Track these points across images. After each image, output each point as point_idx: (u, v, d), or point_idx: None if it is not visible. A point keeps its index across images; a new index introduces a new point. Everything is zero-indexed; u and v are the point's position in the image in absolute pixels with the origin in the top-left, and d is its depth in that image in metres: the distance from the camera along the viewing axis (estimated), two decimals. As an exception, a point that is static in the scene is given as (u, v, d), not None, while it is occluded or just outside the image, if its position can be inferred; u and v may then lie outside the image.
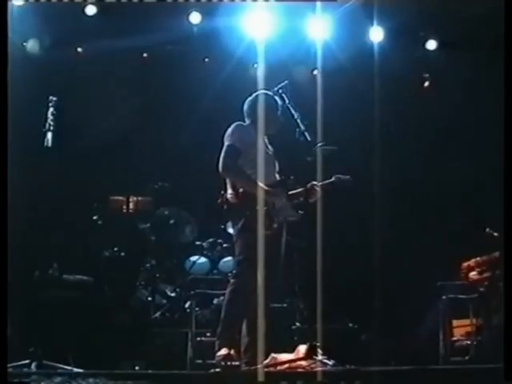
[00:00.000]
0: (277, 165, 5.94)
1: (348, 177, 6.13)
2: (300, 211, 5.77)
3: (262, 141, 5.88)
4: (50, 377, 4.57)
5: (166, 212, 9.19)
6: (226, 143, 5.74)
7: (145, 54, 9.77)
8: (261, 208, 5.55)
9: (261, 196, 5.60)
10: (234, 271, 5.65)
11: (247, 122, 6.00)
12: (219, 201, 5.76)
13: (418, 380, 4.79)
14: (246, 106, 6.06)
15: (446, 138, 9.94)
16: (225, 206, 5.72)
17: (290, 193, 5.79)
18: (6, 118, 4.94)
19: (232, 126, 5.85)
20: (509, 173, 5.01)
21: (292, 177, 5.86)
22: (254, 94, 6.08)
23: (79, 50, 9.46)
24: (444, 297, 7.89)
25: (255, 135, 5.84)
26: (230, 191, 5.69)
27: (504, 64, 5.29)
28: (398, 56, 9.48)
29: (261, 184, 5.65)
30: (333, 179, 6.06)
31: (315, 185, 5.88)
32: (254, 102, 6.01)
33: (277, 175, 5.86)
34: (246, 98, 6.12)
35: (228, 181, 5.76)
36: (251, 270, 5.45)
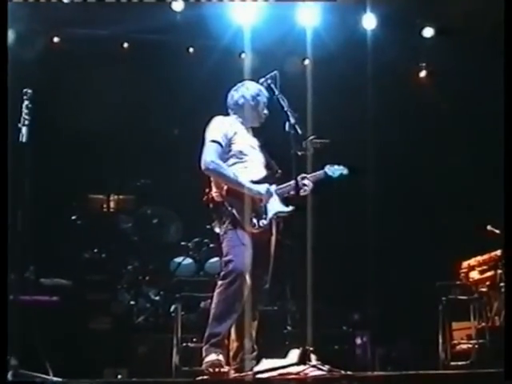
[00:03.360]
0: (264, 159, 5.90)
1: (341, 167, 6.09)
2: (291, 206, 5.73)
3: (246, 134, 5.85)
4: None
5: (149, 211, 9.20)
6: (207, 139, 5.70)
7: (125, 44, 9.73)
8: (247, 205, 5.54)
9: (247, 193, 5.58)
10: (222, 273, 5.62)
11: (230, 114, 5.98)
12: (204, 199, 5.73)
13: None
14: (228, 98, 6.04)
15: (444, 132, 9.94)
16: (210, 205, 5.69)
17: (279, 187, 5.76)
18: (6, 120, 4.99)
19: (213, 120, 5.82)
20: (509, 171, 5.01)
21: (280, 170, 5.83)
22: (238, 85, 6.05)
23: (55, 39, 9.42)
24: (443, 298, 7.87)
25: (238, 128, 5.81)
26: (214, 189, 5.67)
27: (504, 63, 5.30)
28: (393, 44, 9.47)
29: (246, 180, 5.62)
30: (325, 170, 6.03)
31: (305, 177, 5.85)
32: (236, 94, 5.98)
33: (264, 170, 5.83)
34: (230, 90, 6.10)
35: (212, 178, 5.73)
36: (239, 271, 5.43)
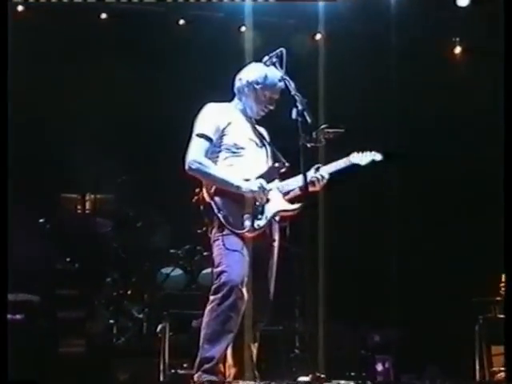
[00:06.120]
0: (268, 152, 5.88)
1: (373, 152, 5.85)
2: (297, 204, 5.67)
3: (243, 124, 5.83)
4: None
5: (132, 213, 9.19)
6: (194, 132, 5.68)
7: (103, 15, 9.72)
8: (239, 206, 5.52)
9: (237, 192, 5.55)
10: (213, 286, 5.61)
11: (235, 99, 5.93)
12: (195, 199, 5.73)
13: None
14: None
15: (480, 119, 9.89)
16: (201, 207, 5.68)
17: (284, 182, 5.73)
18: (5, 119, 5.06)
19: (204, 108, 5.79)
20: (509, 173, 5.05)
21: (287, 164, 5.79)
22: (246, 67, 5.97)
23: (20, 8, 9.32)
24: (480, 317, 7.88)
25: (234, 117, 5.78)
26: (204, 189, 5.66)
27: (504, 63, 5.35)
28: (422, 16, 9.47)
29: (238, 178, 5.59)
30: (349, 158, 5.86)
31: (319, 168, 5.75)
32: (237, 76, 5.94)
33: (266, 164, 5.80)
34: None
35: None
36: (234, 283, 5.42)
